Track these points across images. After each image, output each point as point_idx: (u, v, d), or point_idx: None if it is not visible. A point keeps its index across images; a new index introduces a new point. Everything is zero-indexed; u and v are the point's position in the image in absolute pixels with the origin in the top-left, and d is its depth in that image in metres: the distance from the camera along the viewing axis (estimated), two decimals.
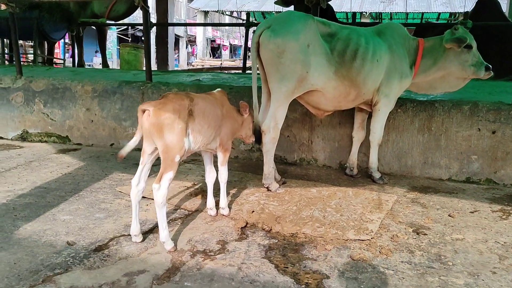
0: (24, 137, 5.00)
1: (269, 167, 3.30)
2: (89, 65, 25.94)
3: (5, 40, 8.57)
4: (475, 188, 3.65)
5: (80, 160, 4.21)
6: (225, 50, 42.46)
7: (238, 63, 26.47)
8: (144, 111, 2.34)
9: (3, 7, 6.42)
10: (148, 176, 2.56)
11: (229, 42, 43.50)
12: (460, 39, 3.35)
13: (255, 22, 8.98)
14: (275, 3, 6.76)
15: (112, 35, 31.32)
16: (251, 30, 7.58)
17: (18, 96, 4.95)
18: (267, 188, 3.33)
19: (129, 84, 4.62)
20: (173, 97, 2.39)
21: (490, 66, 3.40)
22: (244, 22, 7.18)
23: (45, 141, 4.95)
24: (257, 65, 3.22)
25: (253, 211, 2.92)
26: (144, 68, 7.62)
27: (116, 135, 4.66)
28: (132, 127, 4.58)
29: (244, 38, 7.62)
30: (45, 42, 8.45)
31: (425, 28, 7.82)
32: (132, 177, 2.52)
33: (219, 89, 2.92)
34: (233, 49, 45.50)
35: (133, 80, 4.74)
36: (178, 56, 31.72)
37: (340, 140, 4.02)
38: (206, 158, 2.86)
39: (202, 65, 23.23)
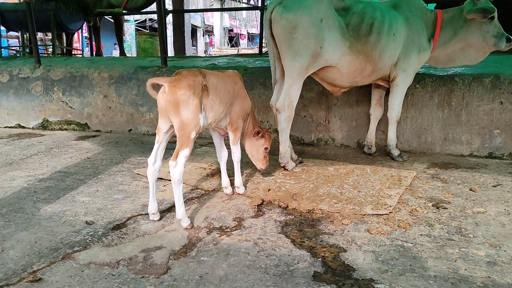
0: (44, 125, 5.09)
1: (285, 146, 3.28)
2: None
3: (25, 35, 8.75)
4: (497, 163, 3.54)
5: (99, 146, 4.26)
6: (242, 39, 42.30)
7: (256, 50, 26.36)
8: (153, 86, 2.34)
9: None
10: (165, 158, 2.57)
11: (247, 31, 43.29)
12: (486, 9, 3.22)
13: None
14: None
15: (130, 27, 31.56)
16: None
17: (37, 86, 5.03)
18: (283, 167, 3.31)
19: (145, 69, 4.64)
20: (186, 73, 2.38)
21: (511, 37, 3.27)
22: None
23: (65, 129, 5.03)
24: (272, 43, 3.18)
25: (269, 189, 2.91)
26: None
27: (134, 120, 4.70)
28: (149, 112, 4.62)
29: (260, 19, 7.53)
30: (63, 34, 8.56)
31: (447, 4, 7.57)
32: None
33: (234, 71, 2.89)
34: (251, 38, 45.29)
35: (149, 66, 4.75)
36: (196, 46, 31.78)
37: (357, 118, 3.96)
38: (216, 138, 2.87)
39: (221, 55, 23.16)
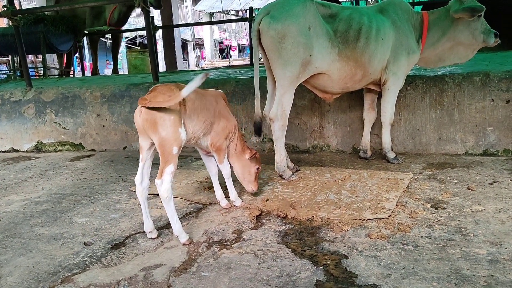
0: (39, 148, 5.07)
1: (280, 155, 3.28)
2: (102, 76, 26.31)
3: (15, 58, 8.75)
4: (493, 160, 3.55)
5: (94, 165, 4.24)
6: (233, 50, 42.49)
7: (247, 61, 26.49)
8: None
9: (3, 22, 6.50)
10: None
11: (237, 42, 43.50)
12: (474, 8, 3.25)
13: None
14: None
15: (121, 45, 31.66)
16: None
17: (29, 108, 5.02)
18: (280, 176, 3.31)
19: (137, 86, 4.64)
20: (162, 88, 2.32)
21: (498, 33, 3.31)
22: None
23: (60, 150, 5.01)
24: (260, 53, 3.19)
25: (267, 200, 2.90)
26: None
27: (128, 138, 4.69)
28: None
29: (249, 33, 7.60)
30: (64, 54, 8.57)
31: (433, 6, 7.66)
32: None
33: (218, 90, 2.86)
34: (242, 49, 45.48)
35: (141, 82, 4.75)
36: (187, 60, 31.88)
37: (351, 123, 3.97)
38: (201, 153, 2.85)
39: (212, 67, 23.30)
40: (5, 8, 4.75)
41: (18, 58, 8.29)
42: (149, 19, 4.53)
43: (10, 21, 5.23)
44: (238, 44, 44.75)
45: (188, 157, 4.30)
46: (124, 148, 4.73)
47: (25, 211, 3.09)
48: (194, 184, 3.41)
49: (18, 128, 5.09)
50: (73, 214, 2.98)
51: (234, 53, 42.45)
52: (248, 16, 7.27)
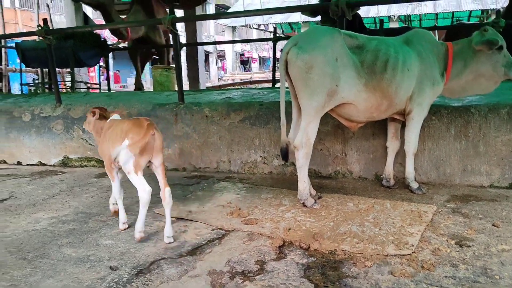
0: (65, 162, 5.20)
1: (303, 182, 3.30)
2: (124, 85, 26.82)
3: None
4: None
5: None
6: (254, 62, 42.85)
7: (268, 75, 26.67)
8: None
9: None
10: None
11: (258, 54, 43.89)
12: (490, 41, 3.27)
13: (283, 35, 9.08)
14: (302, 13, 6.80)
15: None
16: (278, 44, 7.66)
17: (58, 124, 5.16)
18: (303, 203, 3.32)
19: (163, 106, 4.74)
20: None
21: None
22: (272, 36, 7.26)
23: (85, 166, 5.13)
24: (286, 82, 3.25)
25: (289, 229, 2.92)
26: (176, 88, 7.85)
27: None
28: (168, 148, 4.68)
29: (272, 50, 7.69)
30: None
31: (457, 30, 7.65)
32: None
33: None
34: (262, 61, 45.79)
35: (166, 102, 4.85)
36: (208, 72, 32.26)
37: (374, 151, 3.97)
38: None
39: (233, 79, 23.61)
40: (40, 28, 4.92)
41: (47, 70, 8.59)
42: (177, 40, 4.63)
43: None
44: (259, 56, 45.13)
45: (211, 178, 4.36)
46: (148, 167, 4.81)
47: (53, 230, 3.17)
48: (217, 208, 3.45)
49: (46, 142, 5.23)
50: (99, 235, 3.05)
51: (255, 65, 42.78)
52: (270, 30, 7.36)
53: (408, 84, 3.32)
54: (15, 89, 17.80)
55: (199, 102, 4.66)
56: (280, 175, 4.30)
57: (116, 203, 3.21)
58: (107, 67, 8.70)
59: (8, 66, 12.30)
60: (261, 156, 4.33)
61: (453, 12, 19.79)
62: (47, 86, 8.50)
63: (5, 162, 5.53)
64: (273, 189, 3.87)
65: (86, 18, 12.61)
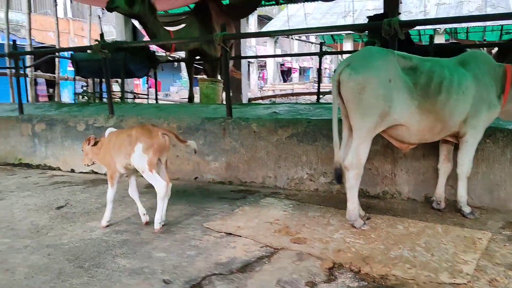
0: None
1: (353, 203, 3.28)
2: (166, 94, 27.50)
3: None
4: None
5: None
6: (294, 72, 42.87)
7: (308, 86, 26.63)
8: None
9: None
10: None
11: (298, 64, 43.89)
12: None
13: (328, 50, 9.10)
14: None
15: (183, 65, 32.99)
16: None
17: None
18: (352, 224, 3.30)
19: (211, 120, 4.84)
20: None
21: None
22: (316, 48, 7.27)
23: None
24: (338, 102, 3.26)
25: (339, 250, 2.91)
26: (221, 102, 8.00)
27: (200, 168, 4.89)
28: (215, 161, 4.78)
29: (318, 65, 7.72)
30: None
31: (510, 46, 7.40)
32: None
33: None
34: (303, 71, 45.76)
35: (215, 117, 4.95)
36: (248, 81, 32.57)
37: (425, 172, 3.89)
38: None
39: (273, 90, 23.73)
40: (97, 42, 5.16)
41: (98, 81, 8.99)
42: (227, 57, 4.74)
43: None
44: (300, 66, 45.13)
45: (257, 192, 4.40)
46: (196, 178, 4.93)
47: (107, 240, 3.30)
48: (264, 225, 3.48)
49: None
50: (152, 247, 3.14)
51: (295, 75, 42.81)
52: (311, 41, 7.37)
53: (463, 107, 3.26)
54: (64, 96, 18.66)
55: (247, 118, 4.73)
56: (327, 193, 4.29)
57: (146, 214, 3.63)
58: (155, 78, 9.00)
59: (60, 74, 12.90)
60: (307, 173, 4.34)
61: (502, 25, 19.12)
62: (97, 96, 8.88)
63: (59, 169, 5.80)
64: (320, 207, 3.86)
65: (134, 29, 13.08)
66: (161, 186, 3.30)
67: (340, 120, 3.38)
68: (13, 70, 10.51)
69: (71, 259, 2.96)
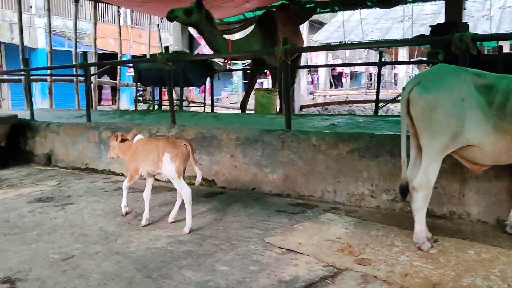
0: None
1: (421, 225, 3.18)
2: (217, 98, 28.00)
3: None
4: None
5: (226, 205, 4.52)
6: (345, 77, 42.26)
7: (361, 92, 26.18)
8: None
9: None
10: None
11: (350, 69, 43.21)
12: None
13: (387, 61, 8.91)
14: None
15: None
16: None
17: None
18: (418, 247, 3.20)
19: (270, 132, 4.87)
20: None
21: None
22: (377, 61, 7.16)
23: (193, 183, 5.41)
24: (407, 121, 3.17)
25: (406, 274, 2.82)
26: (275, 111, 8.05)
27: (257, 180, 4.92)
28: (273, 173, 4.80)
29: (376, 75, 7.56)
30: None
31: None
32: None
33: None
34: (354, 76, 45.04)
35: (273, 129, 4.98)
36: (298, 85, 32.46)
37: (497, 193, 3.70)
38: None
39: (324, 96, 23.57)
40: (161, 55, 5.35)
41: (158, 90, 9.34)
42: (288, 70, 4.76)
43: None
44: (351, 71, 44.46)
45: (316, 207, 4.37)
46: (253, 189, 4.97)
47: (172, 250, 3.39)
48: (326, 243, 3.45)
49: None
50: (215, 260, 3.20)
51: (345, 80, 42.24)
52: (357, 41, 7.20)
53: None
54: (123, 100, 19.47)
55: (306, 131, 4.72)
56: (389, 211, 4.18)
57: (148, 219, 4.04)
58: (211, 87, 9.19)
59: (120, 81, 13.48)
60: (368, 189, 4.26)
61: None
62: (156, 104, 9.21)
63: (123, 175, 6.04)
64: (383, 226, 3.77)
65: (191, 37, 13.44)
66: (188, 192, 3.74)
67: (408, 138, 3.29)
68: (79, 77, 11.13)
69: (140, 268, 3.07)
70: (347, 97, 16.46)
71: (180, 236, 3.68)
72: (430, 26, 6.36)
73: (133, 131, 4.25)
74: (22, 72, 8.84)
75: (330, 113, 8.85)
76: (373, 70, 44.57)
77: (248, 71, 10.34)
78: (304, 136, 4.62)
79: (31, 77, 8.20)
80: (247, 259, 3.20)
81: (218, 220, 4.07)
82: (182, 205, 3.82)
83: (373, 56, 33.15)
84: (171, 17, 7.20)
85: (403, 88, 3.22)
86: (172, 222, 3.97)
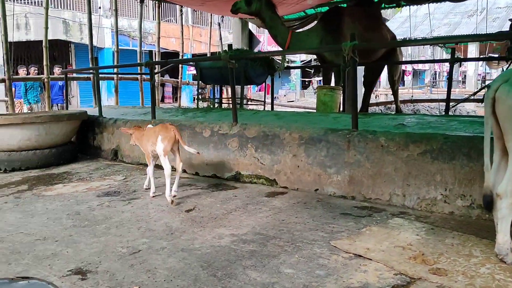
0: (237, 177, 5.54)
1: (504, 235, 2.91)
2: (275, 97, 27.97)
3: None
4: None
5: (289, 205, 4.43)
6: (407, 75, 40.74)
7: (425, 90, 25.02)
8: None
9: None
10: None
11: (412, 67, 41.61)
12: None
13: (460, 57, 8.43)
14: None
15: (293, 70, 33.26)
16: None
17: (233, 142, 5.54)
18: (501, 259, 2.94)
19: (335, 132, 4.71)
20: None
21: None
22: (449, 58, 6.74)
23: (255, 183, 5.39)
24: (491, 122, 2.92)
25: None
26: (339, 110, 7.83)
27: (321, 181, 4.79)
28: (337, 174, 4.65)
29: (448, 73, 7.14)
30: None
31: None
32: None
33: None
34: (417, 74, 43.27)
35: (338, 128, 4.82)
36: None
37: None
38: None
39: (386, 94, 22.73)
40: (225, 53, 5.35)
41: (218, 88, 9.44)
42: (355, 68, 4.58)
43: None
44: (413, 69, 42.81)
45: (383, 211, 4.17)
46: (316, 190, 4.84)
47: (236, 249, 3.36)
48: (396, 249, 3.26)
49: (222, 157, 5.66)
50: (279, 261, 3.13)
51: (408, 78, 40.72)
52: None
53: None
54: (183, 97, 19.96)
55: (374, 131, 4.52)
56: (464, 218, 3.90)
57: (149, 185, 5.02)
58: (272, 84, 9.15)
59: (182, 79, 13.78)
60: (441, 194, 3.99)
61: None
62: (217, 102, 9.31)
63: (185, 171, 6.13)
64: (458, 234, 3.51)
65: (251, 35, 13.48)
66: (167, 168, 4.54)
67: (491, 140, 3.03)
68: (143, 76, 11.51)
69: (204, 266, 3.07)
70: (412, 96, 15.73)
71: (243, 236, 3.65)
72: (510, 19, 5.88)
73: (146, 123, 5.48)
74: (91, 71, 9.26)
75: (397, 113, 8.47)
76: (438, 67, 42.63)
77: (306, 69, 10.22)
78: (371, 136, 4.43)
79: (99, 75, 8.55)
80: (312, 263, 3.10)
81: (281, 221, 3.99)
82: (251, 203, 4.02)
83: (439, 52, 31.60)
84: (233, 9, 7.66)
85: (488, 86, 2.96)
86: (174, 196, 4.60)
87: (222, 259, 3.19)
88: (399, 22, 23.44)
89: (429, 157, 4.05)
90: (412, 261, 3.06)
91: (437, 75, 43.62)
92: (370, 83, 9.43)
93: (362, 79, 9.26)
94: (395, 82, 9.41)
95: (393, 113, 8.57)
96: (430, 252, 3.18)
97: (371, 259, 3.11)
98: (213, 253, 3.30)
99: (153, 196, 4.83)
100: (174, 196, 4.56)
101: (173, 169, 4.70)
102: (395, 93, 9.73)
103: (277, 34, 7.83)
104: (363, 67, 8.86)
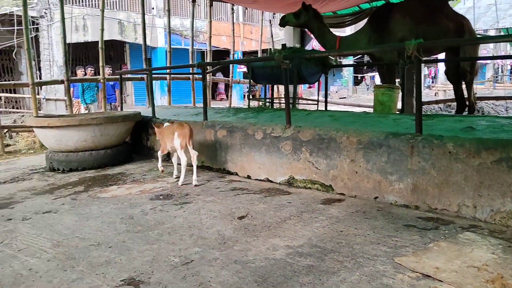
0: (290, 182, 5.36)
1: None
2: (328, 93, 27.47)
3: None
4: None
5: (347, 214, 4.19)
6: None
7: (488, 86, 23.50)
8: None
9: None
10: None
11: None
12: None
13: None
14: None
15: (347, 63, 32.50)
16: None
17: (287, 145, 5.35)
18: None
19: (397, 136, 4.40)
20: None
21: None
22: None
23: (309, 188, 5.18)
24: None
25: None
26: (397, 110, 7.41)
27: (381, 188, 4.50)
28: (399, 182, 4.34)
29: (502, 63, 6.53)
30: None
31: None
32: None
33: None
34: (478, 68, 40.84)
35: (400, 132, 4.50)
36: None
37: None
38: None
39: (444, 90, 21.66)
40: (279, 53, 5.17)
41: (269, 87, 9.26)
42: (419, 66, 4.24)
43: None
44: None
45: (451, 223, 3.83)
46: (375, 198, 4.56)
47: (292, 263, 3.18)
48: (470, 270, 2.95)
49: (274, 161, 5.49)
50: (339, 279, 2.91)
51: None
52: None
53: None
54: (234, 95, 20.00)
55: (440, 135, 4.16)
56: None
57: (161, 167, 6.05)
58: (326, 83, 8.84)
59: (233, 78, 13.75)
60: None
61: None
62: (268, 102, 9.15)
63: (237, 174, 6.03)
64: None
65: (302, 31, 13.20)
66: (184, 160, 5.41)
67: None
68: (195, 75, 11.56)
69: (259, 282, 2.91)
70: (475, 93, 14.74)
71: (299, 248, 3.46)
72: None
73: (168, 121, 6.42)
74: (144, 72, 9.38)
75: (466, 115, 7.88)
76: (501, 60, 40.13)
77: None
78: (438, 142, 4.08)
79: (153, 76, 8.65)
80: (375, 282, 2.86)
81: (339, 232, 3.76)
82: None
83: (502, 45, 29.64)
84: (282, 23, 8.38)
85: None
86: (180, 182, 5.60)
87: (278, 274, 3.02)
88: (460, 13, 22.15)
89: (504, 166, 3.66)
90: (490, 285, 2.74)
91: (500, 69, 41.00)
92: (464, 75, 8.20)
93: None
94: (466, 73, 8.06)
95: (465, 114, 8.00)
96: (510, 275, 2.84)
97: (442, 281, 2.82)
98: (268, 267, 3.14)
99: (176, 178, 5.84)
100: (196, 185, 5.44)
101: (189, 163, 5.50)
102: (468, 86, 8.31)
103: (326, 43, 8.15)
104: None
